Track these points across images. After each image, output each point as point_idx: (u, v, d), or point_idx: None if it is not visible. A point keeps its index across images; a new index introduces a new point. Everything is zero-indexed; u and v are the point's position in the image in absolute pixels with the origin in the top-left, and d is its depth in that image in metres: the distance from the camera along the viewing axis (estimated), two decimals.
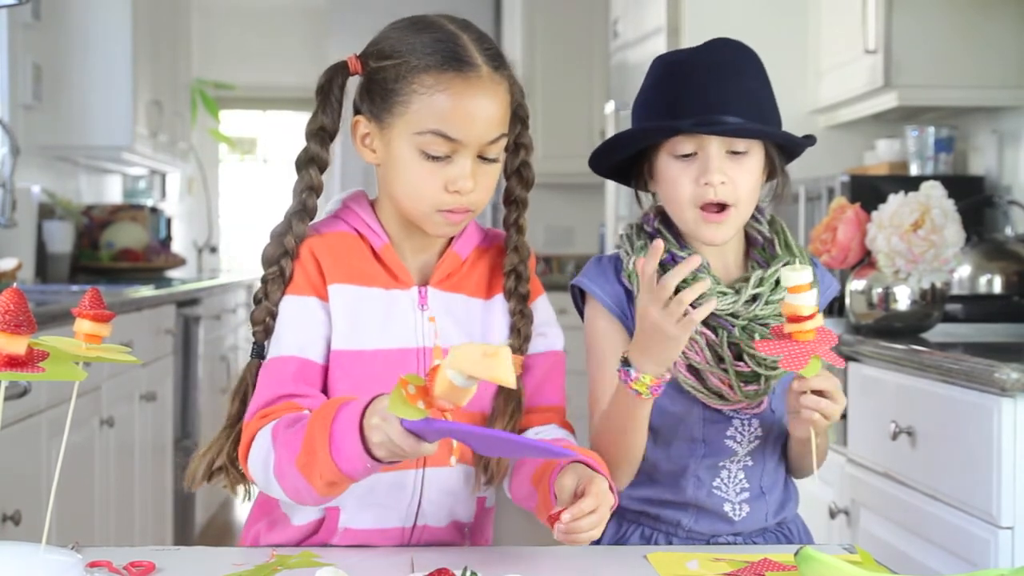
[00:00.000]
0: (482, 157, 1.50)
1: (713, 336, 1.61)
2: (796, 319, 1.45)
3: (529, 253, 1.61)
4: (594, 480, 1.42)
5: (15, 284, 1.22)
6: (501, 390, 1.55)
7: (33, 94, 4.39)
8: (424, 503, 1.54)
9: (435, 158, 1.47)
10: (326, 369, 1.52)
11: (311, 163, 1.56)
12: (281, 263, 1.53)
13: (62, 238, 4.57)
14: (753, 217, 1.69)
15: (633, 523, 1.71)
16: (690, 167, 1.60)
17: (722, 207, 1.59)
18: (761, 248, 1.69)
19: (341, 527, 1.54)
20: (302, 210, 1.55)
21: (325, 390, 1.52)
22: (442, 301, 1.56)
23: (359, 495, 1.52)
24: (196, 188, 7.33)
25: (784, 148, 1.67)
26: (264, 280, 1.54)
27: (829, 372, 1.54)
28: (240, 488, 1.55)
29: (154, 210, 5.61)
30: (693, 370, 1.62)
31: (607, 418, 1.60)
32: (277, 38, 8.13)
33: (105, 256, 4.96)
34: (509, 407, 1.55)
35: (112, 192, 5.82)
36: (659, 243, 1.50)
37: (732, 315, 1.61)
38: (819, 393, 1.52)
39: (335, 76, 1.56)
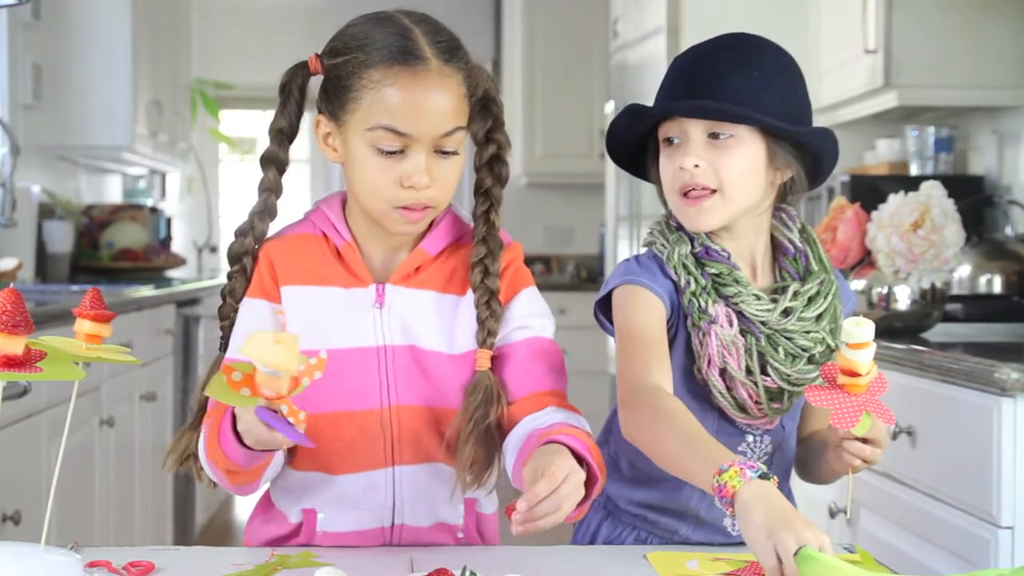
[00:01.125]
0: (439, 151, 1.48)
1: (743, 342, 1.58)
2: (851, 374, 1.41)
3: (501, 247, 1.56)
4: (553, 461, 1.34)
5: (14, 284, 1.22)
6: (467, 386, 1.52)
7: (33, 94, 4.39)
8: (399, 503, 1.54)
9: (388, 153, 1.46)
10: None
11: (270, 164, 1.57)
12: (243, 261, 1.56)
13: (62, 238, 4.57)
14: (783, 223, 1.65)
15: (629, 525, 1.70)
16: (674, 153, 1.58)
17: (703, 192, 1.55)
18: (792, 259, 1.63)
19: (319, 530, 1.54)
20: (263, 210, 1.57)
21: None
22: (405, 298, 1.54)
23: (334, 499, 1.53)
24: (196, 188, 7.33)
25: (808, 149, 1.59)
26: (229, 276, 1.57)
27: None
28: (205, 476, 1.56)
29: (154, 210, 5.61)
30: (725, 375, 1.58)
31: (670, 453, 1.44)
32: (277, 38, 8.12)
33: (105, 256, 4.96)
34: (476, 398, 1.50)
35: (112, 192, 5.81)
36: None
37: (762, 322, 1.58)
38: (863, 440, 1.49)
39: (295, 76, 1.56)
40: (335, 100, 1.50)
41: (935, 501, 2.13)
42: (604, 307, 1.64)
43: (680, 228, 1.63)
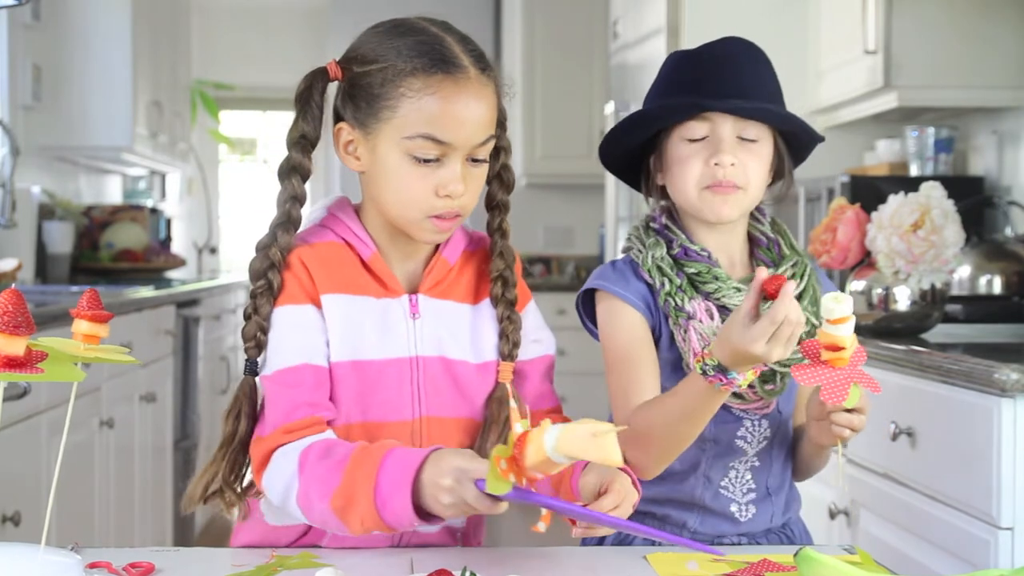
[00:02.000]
0: (472, 160, 1.49)
1: None
2: (835, 348, 1.45)
3: (514, 257, 1.60)
4: (616, 477, 1.43)
5: (15, 285, 1.22)
6: (492, 397, 1.55)
7: (33, 95, 4.39)
8: None
9: (425, 162, 1.46)
10: (329, 374, 1.50)
11: (294, 172, 1.52)
12: (268, 276, 1.49)
13: (62, 239, 4.57)
14: (755, 218, 1.72)
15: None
16: (701, 149, 1.63)
17: (730, 188, 1.62)
18: (766, 248, 1.70)
19: (330, 531, 1.53)
20: (286, 221, 1.51)
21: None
22: (433, 308, 1.55)
23: None
24: (196, 189, 7.33)
25: (791, 147, 1.69)
26: (253, 295, 1.50)
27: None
28: (235, 510, 1.51)
29: (154, 211, 5.61)
30: None
31: (669, 410, 1.55)
32: (277, 38, 8.12)
33: (105, 257, 4.96)
34: (503, 415, 1.53)
35: (112, 192, 5.81)
36: (759, 277, 1.45)
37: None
38: (850, 410, 1.53)
39: (315, 82, 1.53)
40: (365, 109, 1.48)
41: (935, 502, 2.13)
42: (586, 303, 1.72)
43: (658, 231, 1.69)
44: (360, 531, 1.39)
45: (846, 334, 1.44)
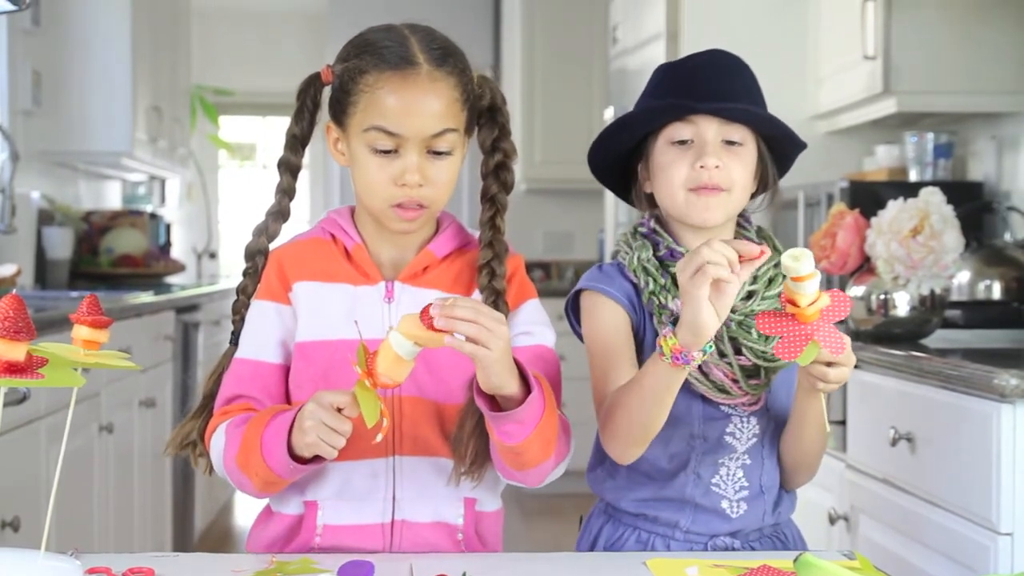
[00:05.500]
0: (432, 151, 1.54)
1: None
2: (793, 303, 1.44)
3: (507, 251, 1.62)
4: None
5: (14, 290, 1.22)
6: (471, 382, 1.54)
7: (33, 100, 4.40)
8: (399, 495, 1.57)
9: (384, 153, 1.54)
10: (282, 367, 1.61)
11: (284, 167, 1.67)
12: (256, 259, 1.65)
13: (61, 244, 4.57)
14: (741, 225, 1.73)
15: (630, 526, 1.72)
16: (686, 153, 1.65)
17: (714, 190, 1.63)
18: None
19: (320, 523, 1.57)
20: (278, 211, 1.67)
21: (288, 383, 1.61)
22: (412, 296, 1.59)
23: (335, 491, 1.57)
24: (195, 194, 7.33)
25: (775, 155, 1.71)
26: (244, 274, 1.66)
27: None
28: (203, 462, 1.64)
29: (153, 216, 5.60)
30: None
31: (631, 391, 1.56)
32: (277, 44, 8.13)
33: (104, 262, 4.96)
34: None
35: (111, 198, 5.82)
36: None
37: (731, 310, 1.61)
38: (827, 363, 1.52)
39: (310, 85, 1.65)
40: (338, 106, 1.59)
41: (935, 507, 2.14)
42: (576, 307, 1.74)
43: (646, 235, 1.72)
44: (261, 486, 1.53)
45: (807, 291, 1.42)
